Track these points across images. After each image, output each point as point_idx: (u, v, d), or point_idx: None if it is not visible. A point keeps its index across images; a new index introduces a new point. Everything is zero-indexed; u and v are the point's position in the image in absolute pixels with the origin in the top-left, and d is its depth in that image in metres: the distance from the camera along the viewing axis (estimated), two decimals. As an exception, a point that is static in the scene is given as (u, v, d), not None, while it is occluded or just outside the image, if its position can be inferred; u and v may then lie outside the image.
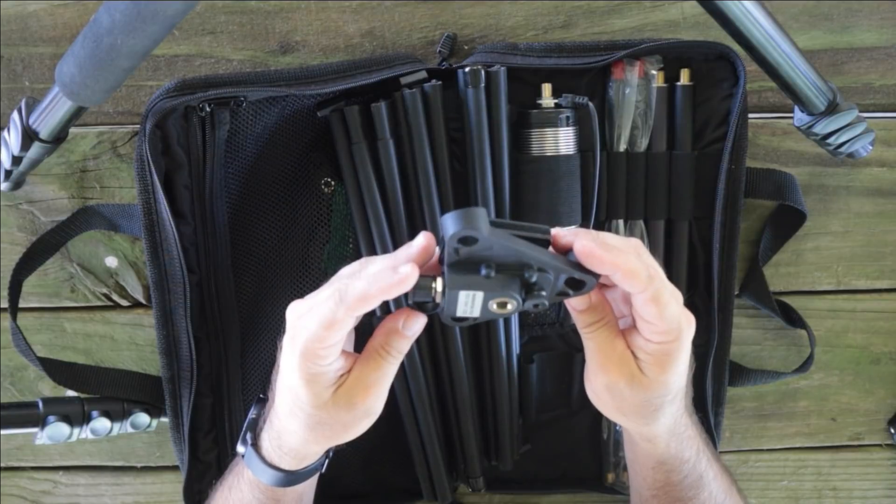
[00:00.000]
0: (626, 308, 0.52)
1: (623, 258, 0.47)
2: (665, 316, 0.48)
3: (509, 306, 0.47)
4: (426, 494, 0.73)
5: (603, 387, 0.52)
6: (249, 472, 0.57)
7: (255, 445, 0.56)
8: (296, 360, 0.48)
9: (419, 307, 0.50)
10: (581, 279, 0.48)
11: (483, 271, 0.46)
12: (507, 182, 0.65)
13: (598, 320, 0.51)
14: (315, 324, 0.47)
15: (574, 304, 0.51)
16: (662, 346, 0.49)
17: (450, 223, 0.44)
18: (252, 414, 0.59)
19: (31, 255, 0.67)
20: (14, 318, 0.66)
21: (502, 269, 0.46)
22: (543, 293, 0.47)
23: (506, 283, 0.46)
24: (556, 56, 0.63)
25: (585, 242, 0.47)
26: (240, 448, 0.58)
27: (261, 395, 0.60)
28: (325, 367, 0.49)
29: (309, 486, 0.61)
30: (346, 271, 0.51)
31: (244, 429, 0.58)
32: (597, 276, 0.48)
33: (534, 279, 0.47)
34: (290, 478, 0.56)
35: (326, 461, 0.58)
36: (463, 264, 0.46)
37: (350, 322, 0.47)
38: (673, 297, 0.49)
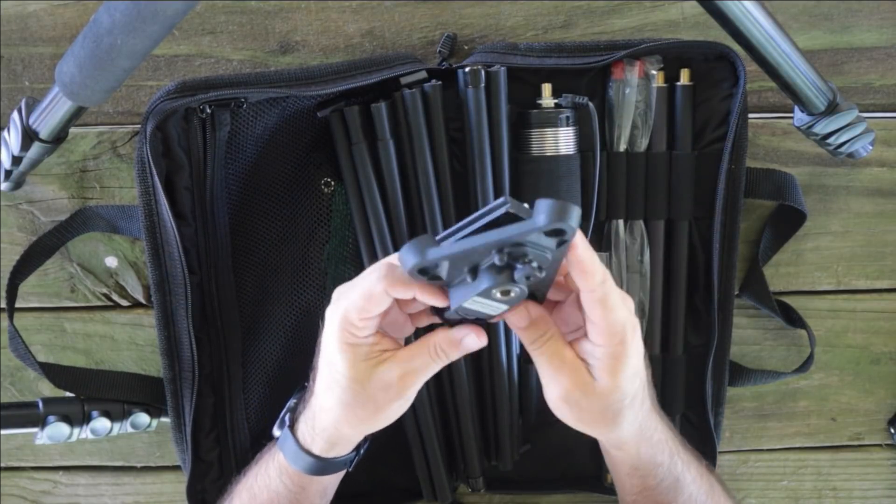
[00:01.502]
0: (580, 318, 0.52)
1: (585, 253, 0.47)
2: (610, 318, 0.49)
3: (513, 293, 0.46)
4: (426, 494, 0.73)
5: (559, 398, 0.52)
6: (281, 457, 0.58)
7: (292, 428, 0.58)
8: (335, 328, 0.51)
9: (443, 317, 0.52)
10: (557, 228, 0.44)
11: (468, 278, 0.46)
12: (507, 182, 0.65)
13: (542, 335, 0.52)
14: (357, 294, 0.50)
15: (514, 321, 0.52)
16: (609, 349, 0.50)
17: (403, 260, 0.46)
18: (293, 400, 0.61)
19: (28, 258, 0.67)
20: (11, 320, 0.66)
21: (477, 268, 0.46)
22: (529, 261, 0.45)
23: (488, 276, 0.46)
24: (556, 56, 0.63)
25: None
26: (276, 431, 0.60)
27: (305, 384, 0.61)
28: (361, 339, 0.51)
29: (333, 483, 0.62)
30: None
31: (283, 412, 0.60)
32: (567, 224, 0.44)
33: (505, 260, 0.45)
34: (320, 465, 0.57)
35: (356, 458, 0.60)
36: (448, 283, 0.47)
37: (385, 300, 0.49)
38: (622, 300, 0.50)
